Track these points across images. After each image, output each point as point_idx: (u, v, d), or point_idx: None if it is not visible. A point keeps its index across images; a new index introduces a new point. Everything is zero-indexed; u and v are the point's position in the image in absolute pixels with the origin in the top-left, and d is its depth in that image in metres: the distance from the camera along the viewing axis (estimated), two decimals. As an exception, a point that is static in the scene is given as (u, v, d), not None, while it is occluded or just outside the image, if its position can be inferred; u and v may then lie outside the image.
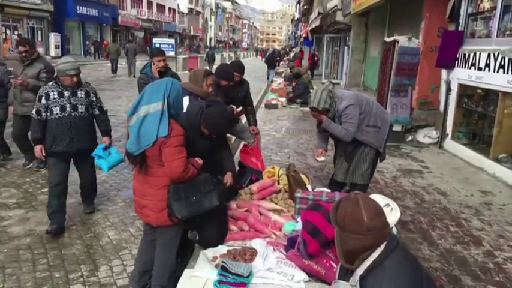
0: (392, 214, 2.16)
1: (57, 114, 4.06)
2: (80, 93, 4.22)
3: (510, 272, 3.69)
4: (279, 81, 17.20)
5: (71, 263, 3.62)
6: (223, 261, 2.83)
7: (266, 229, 3.48)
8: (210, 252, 3.18)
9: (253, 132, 4.81)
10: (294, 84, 13.81)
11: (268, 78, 21.93)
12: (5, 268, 3.53)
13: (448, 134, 8.19)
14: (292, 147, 7.87)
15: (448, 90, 8.13)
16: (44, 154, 4.16)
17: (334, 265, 2.82)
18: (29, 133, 4.50)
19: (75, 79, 4.13)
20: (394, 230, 2.30)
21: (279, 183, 4.41)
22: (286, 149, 7.76)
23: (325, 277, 2.84)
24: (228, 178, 3.52)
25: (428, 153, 7.93)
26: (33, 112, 4.08)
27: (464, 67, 7.64)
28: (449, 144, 8.11)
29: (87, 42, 32.78)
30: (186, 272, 2.96)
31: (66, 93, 4.12)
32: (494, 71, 6.72)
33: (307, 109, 12.12)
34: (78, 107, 4.17)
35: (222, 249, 3.22)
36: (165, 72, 4.96)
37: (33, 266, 3.59)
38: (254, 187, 4.20)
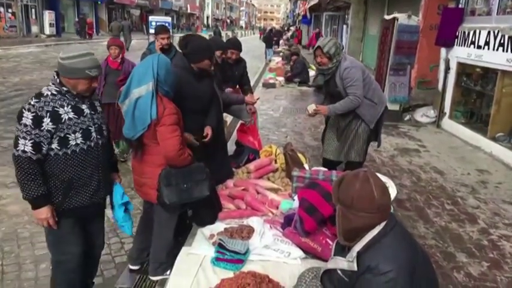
0: (387, 188, 2.16)
1: (78, 145, 2.43)
2: (98, 106, 2.62)
3: (504, 249, 3.73)
4: (277, 60, 17.05)
5: (69, 240, 3.65)
6: (220, 239, 2.85)
7: (263, 207, 3.50)
8: (207, 230, 3.20)
9: (250, 111, 4.77)
10: (292, 63, 13.70)
11: (266, 57, 21.74)
12: (3, 246, 3.56)
13: (445, 113, 8.17)
14: (290, 127, 7.85)
15: (447, 69, 8.08)
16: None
17: (330, 242, 2.85)
18: None
19: (95, 84, 2.52)
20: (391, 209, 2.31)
21: (276, 162, 4.42)
22: (283, 128, 7.75)
23: (321, 254, 2.87)
24: (207, 130, 3.48)
25: (425, 132, 7.93)
26: (24, 149, 2.26)
27: (464, 45, 7.57)
28: (447, 123, 8.11)
29: (76, 19, 32.11)
30: (184, 250, 2.98)
31: (86, 108, 2.49)
32: (493, 49, 6.66)
33: (305, 88, 12.24)
34: (103, 130, 2.62)
35: (219, 227, 3.24)
36: (168, 50, 4.97)
37: (32, 244, 3.61)
38: (251, 166, 4.21)
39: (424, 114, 8.69)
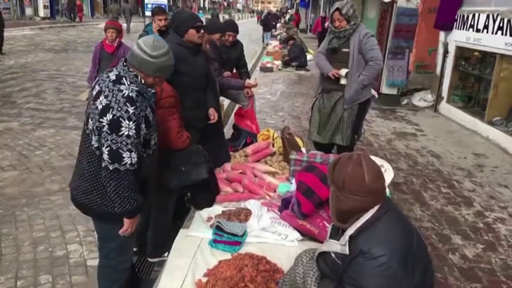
0: (386, 175, 2.17)
1: (155, 144, 2.35)
2: None
3: (499, 231, 3.77)
4: (274, 44, 16.89)
5: (67, 223, 3.66)
6: (218, 221, 2.86)
7: (260, 190, 3.51)
8: (205, 213, 3.22)
9: (248, 95, 4.75)
10: (289, 47, 13.58)
11: (263, 41, 21.55)
12: (1, 228, 3.56)
13: (443, 98, 8.16)
14: (287, 111, 7.83)
15: (446, 52, 8.03)
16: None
17: (327, 225, 2.86)
18: None
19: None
20: (387, 191, 2.31)
21: (273, 146, 4.42)
22: (281, 112, 7.72)
23: (318, 236, 2.89)
24: (213, 113, 3.50)
25: (423, 116, 7.93)
26: (131, 162, 2.07)
27: (463, 29, 7.51)
28: (444, 107, 8.10)
29: (62, 1, 31.41)
30: (182, 232, 3.00)
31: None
32: (492, 33, 6.62)
33: (302, 72, 12.18)
34: None
35: (217, 210, 3.25)
36: (165, 31, 4.89)
37: (30, 227, 3.62)
38: (249, 149, 4.21)
39: (421, 99, 8.67)
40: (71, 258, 3.22)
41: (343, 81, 4.16)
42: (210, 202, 3.32)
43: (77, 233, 3.54)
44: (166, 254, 2.93)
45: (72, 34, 20.66)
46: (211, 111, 3.50)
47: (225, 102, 6.28)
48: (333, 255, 1.89)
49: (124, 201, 2.12)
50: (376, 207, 1.78)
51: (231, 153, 4.16)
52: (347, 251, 1.78)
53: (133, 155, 2.06)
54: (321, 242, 2.75)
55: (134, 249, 3.14)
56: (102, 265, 2.44)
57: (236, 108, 5.33)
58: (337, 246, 1.85)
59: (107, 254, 2.39)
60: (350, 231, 1.80)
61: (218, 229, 2.82)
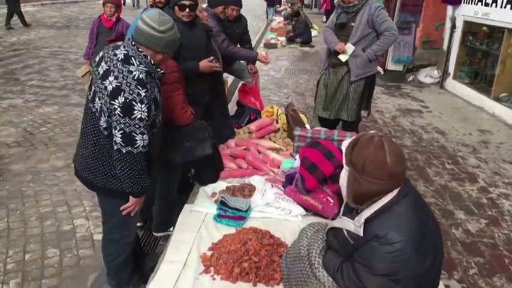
0: (404, 156, 2.12)
1: (159, 122, 2.34)
2: None
3: (503, 206, 3.78)
4: (278, 20, 16.63)
5: (72, 198, 3.70)
6: (222, 197, 2.88)
7: (264, 167, 3.52)
8: (209, 188, 3.23)
9: (252, 71, 4.70)
10: (293, 23, 13.37)
11: (267, 16, 21.21)
12: (8, 204, 3.61)
13: (449, 74, 8.06)
14: (291, 87, 7.78)
15: (453, 27, 7.88)
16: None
17: (331, 200, 2.87)
18: None
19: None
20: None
21: (277, 123, 4.40)
22: (285, 89, 7.67)
23: (322, 211, 2.90)
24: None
25: (428, 93, 7.85)
26: (143, 144, 2.08)
27: (471, 3, 7.35)
28: (451, 84, 8.01)
29: None
30: (186, 207, 3.02)
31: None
32: (501, 7, 6.47)
33: (307, 49, 12.03)
34: None
35: (221, 185, 3.26)
36: (162, 8, 4.81)
37: (36, 202, 3.66)
38: (253, 126, 4.20)
39: (427, 75, 8.56)
40: (78, 233, 3.27)
41: (342, 57, 4.11)
42: (214, 178, 3.33)
43: (83, 208, 3.58)
44: (171, 229, 2.96)
45: (74, 10, 20.42)
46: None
47: (229, 78, 6.23)
48: (345, 232, 1.87)
49: (134, 183, 2.13)
50: (395, 191, 1.74)
51: (235, 129, 4.15)
52: (361, 233, 1.75)
53: (145, 137, 2.07)
54: (325, 217, 2.77)
55: (139, 224, 3.19)
56: (106, 239, 2.47)
57: (240, 84, 5.28)
58: (350, 225, 1.82)
59: (110, 229, 2.42)
60: (366, 213, 1.76)
61: (222, 204, 2.83)
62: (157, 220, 3.14)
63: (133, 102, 1.98)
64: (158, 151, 2.52)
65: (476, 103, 7.03)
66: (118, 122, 1.99)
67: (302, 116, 4.32)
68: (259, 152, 3.75)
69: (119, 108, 1.97)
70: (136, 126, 2.01)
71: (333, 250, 1.99)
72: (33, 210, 3.54)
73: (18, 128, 5.32)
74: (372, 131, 1.86)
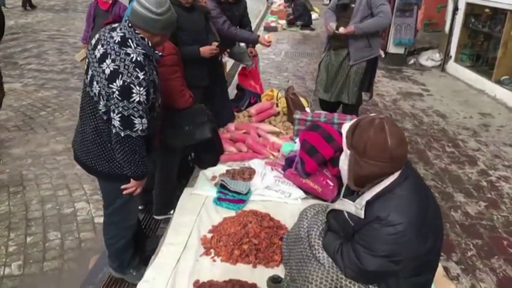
0: (405, 139, 2.11)
1: (159, 106, 2.33)
2: None
3: (503, 189, 3.79)
4: (278, 3, 16.42)
5: (73, 182, 3.71)
6: (222, 180, 2.89)
7: (264, 150, 3.52)
8: (209, 172, 3.24)
9: (252, 55, 4.66)
10: (293, 5, 13.21)
11: (267, -1, 20.97)
12: (9, 187, 3.62)
13: (451, 57, 7.99)
14: (292, 71, 7.73)
15: (455, 9, 7.78)
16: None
17: (331, 183, 2.88)
18: None
19: None
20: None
21: (277, 106, 4.39)
22: (285, 72, 7.62)
23: (321, 194, 2.91)
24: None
25: (430, 76, 7.81)
26: (143, 128, 2.06)
27: (474, -16, 7.26)
28: (452, 66, 7.95)
29: None
30: (187, 190, 3.03)
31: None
32: (505, -12, 6.39)
33: (307, 32, 11.93)
34: None
35: (221, 169, 3.27)
36: None
37: (37, 185, 3.67)
38: (253, 110, 4.19)
39: (429, 58, 8.49)
40: (79, 216, 3.29)
41: (341, 30, 4.11)
42: (214, 162, 3.33)
43: (83, 192, 3.59)
44: (171, 212, 2.98)
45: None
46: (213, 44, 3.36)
47: (229, 62, 6.19)
48: (345, 214, 1.87)
49: (134, 166, 2.12)
50: (396, 174, 1.74)
51: (234, 113, 4.14)
52: (362, 215, 1.76)
53: (144, 120, 2.03)
54: (324, 200, 2.78)
55: (140, 207, 3.20)
56: (107, 222, 2.48)
57: (240, 68, 5.25)
58: (351, 207, 1.83)
59: (111, 212, 2.42)
60: (367, 196, 1.76)
61: (222, 187, 2.84)
62: (157, 203, 3.15)
63: (132, 85, 1.95)
64: (157, 135, 2.52)
65: (477, 86, 6.99)
66: (116, 106, 1.97)
67: (302, 99, 4.30)
68: (259, 136, 3.75)
69: (117, 92, 1.94)
70: (135, 109, 1.98)
71: (333, 232, 2.00)
72: (34, 193, 3.56)
73: (17, 112, 5.31)
74: (373, 114, 1.84)
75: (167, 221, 2.86)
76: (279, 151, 3.55)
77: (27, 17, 12.56)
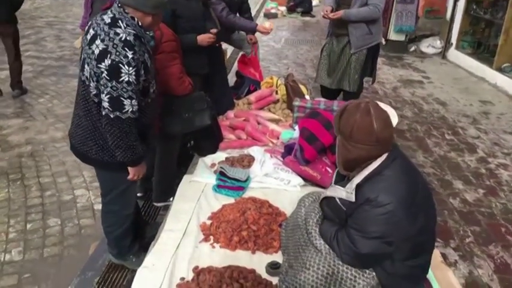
0: (391, 121, 2.13)
1: (154, 92, 2.25)
2: None
3: (501, 177, 3.80)
4: (278, -11, 16.28)
5: (73, 169, 3.71)
6: (221, 167, 2.89)
7: (264, 137, 3.51)
8: (209, 159, 3.24)
9: (251, 42, 4.62)
10: (294, -9, 13.07)
11: (267, -15, 20.76)
12: (8, 174, 3.63)
13: (452, 44, 7.94)
14: (292, 58, 7.68)
15: (457, -4, 7.72)
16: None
17: (330, 170, 2.88)
18: None
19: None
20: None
21: (277, 93, 4.37)
22: (285, 59, 7.58)
23: (320, 181, 2.92)
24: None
25: (430, 63, 7.76)
26: (133, 110, 2.00)
27: (476, -30, 7.17)
28: (453, 54, 7.90)
29: None
30: (186, 177, 3.03)
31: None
32: (507, -26, 6.32)
33: (307, 18, 11.84)
34: None
35: (220, 156, 3.27)
36: None
37: (37, 172, 3.68)
38: (252, 97, 4.17)
39: (430, 45, 8.43)
40: (78, 203, 3.30)
41: (330, 14, 4.10)
42: (213, 149, 3.33)
43: (83, 179, 3.59)
44: (171, 199, 2.98)
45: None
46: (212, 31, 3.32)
47: (229, 49, 6.15)
48: (337, 200, 1.90)
49: (125, 150, 2.06)
50: (384, 156, 1.76)
51: (234, 100, 4.12)
52: (353, 199, 1.78)
53: (134, 102, 1.98)
54: (323, 187, 2.79)
55: (140, 194, 3.22)
56: (105, 210, 2.48)
57: (239, 55, 5.21)
58: (342, 193, 1.85)
59: (109, 201, 2.41)
60: (357, 179, 1.79)
61: (221, 175, 2.84)
62: (157, 190, 3.16)
63: (120, 65, 1.91)
64: (155, 122, 2.50)
65: (478, 74, 6.96)
66: (105, 86, 1.93)
67: (302, 86, 4.28)
68: (259, 123, 3.74)
69: (105, 71, 1.91)
70: (124, 90, 1.94)
71: (328, 219, 2.02)
72: (34, 180, 3.56)
73: (16, 98, 5.29)
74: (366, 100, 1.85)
75: (167, 208, 2.87)
76: (278, 138, 3.54)
77: (25, 3, 12.39)
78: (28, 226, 3.02)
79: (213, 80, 3.59)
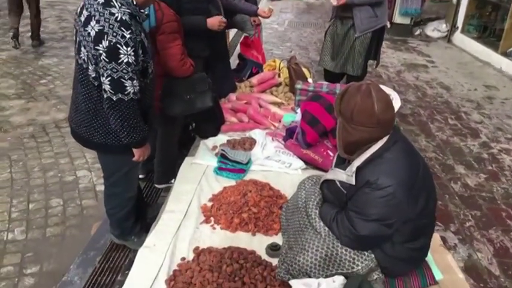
0: (392, 103, 2.12)
1: (152, 72, 2.20)
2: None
3: (504, 162, 3.79)
4: (283, -30, 16.02)
5: (75, 150, 3.71)
6: (222, 149, 2.89)
7: (265, 120, 3.51)
8: (210, 142, 3.24)
9: (254, 24, 4.56)
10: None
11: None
12: (10, 155, 3.64)
13: (458, 27, 7.84)
14: (295, 41, 7.60)
15: (464, -22, 7.59)
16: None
17: (331, 154, 2.88)
18: None
19: None
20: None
21: (279, 76, 4.34)
22: (288, 42, 7.51)
23: (321, 165, 2.92)
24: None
25: (435, 47, 7.68)
26: (134, 91, 1.98)
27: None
28: (458, 38, 7.81)
29: None
30: (187, 160, 3.04)
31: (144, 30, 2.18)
32: (516, -44, 6.19)
33: (312, 1, 11.66)
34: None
35: (222, 139, 3.27)
36: None
37: (39, 153, 3.69)
38: (254, 80, 4.15)
39: (435, 29, 8.33)
40: (80, 184, 3.32)
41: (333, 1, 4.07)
42: (215, 131, 3.32)
43: (85, 160, 3.60)
44: (172, 181, 2.99)
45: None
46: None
47: (231, 31, 6.08)
48: (337, 183, 1.90)
49: (130, 132, 2.04)
50: (385, 139, 1.75)
51: (236, 83, 4.09)
52: (353, 182, 1.78)
53: (136, 83, 1.96)
54: (325, 171, 2.78)
55: (141, 176, 3.23)
56: (108, 193, 2.49)
57: (242, 37, 5.16)
58: (342, 176, 1.85)
59: (112, 183, 2.42)
60: (357, 162, 1.78)
61: (223, 157, 2.85)
62: (158, 172, 3.17)
63: (118, 45, 1.87)
64: (157, 104, 2.48)
65: (483, 58, 6.88)
66: (105, 69, 1.90)
67: (305, 70, 4.25)
68: (261, 106, 3.73)
69: (104, 54, 1.88)
70: (124, 71, 1.90)
71: (328, 202, 2.02)
72: (36, 161, 3.57)
73: (17, 80, 5.27)
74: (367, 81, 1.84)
75: (168, 190, 2.88)
76: (280, 121, 3.53)
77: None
78: (31, 206, 3.04)
79: (215, 62, 3.56)
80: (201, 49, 3.29)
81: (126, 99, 1.95)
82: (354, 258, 1.81)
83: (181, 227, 2.33)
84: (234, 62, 4.81)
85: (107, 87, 1.93)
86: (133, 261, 2.11)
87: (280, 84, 4.22)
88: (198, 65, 3.07)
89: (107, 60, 1.88)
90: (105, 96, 1.96)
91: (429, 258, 2.10)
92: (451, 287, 2.03)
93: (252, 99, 3.78)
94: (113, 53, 1.87)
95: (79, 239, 2.75)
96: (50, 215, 2.97)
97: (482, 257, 2.62)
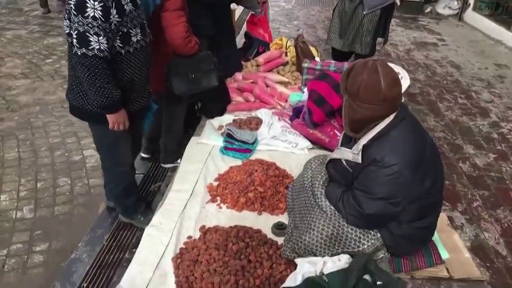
0: (402, 82, 2.08)
1: (138, 41, 2.15)
2: None
3: (513, 142, 3.74)
4: None
5: (81, 130, 3.72)
6: (228, 129, 2.88)
7: (272, 100, 3.48)
8: (216, 121, 3.23)
9: (261, 1, 4.48)
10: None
11: None
12: (18, 134, 3.66)
13: (469, 4, 7.65)
14: (302, 19, 7.48)
15: (477, -47, 7.37)
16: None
17: (338, 133, 2.86)
18: None
19: None
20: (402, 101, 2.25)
21: (286, 55, 4.28)
22: (295, 21, 7.38)
23: (328, 145, 2.90)
24: None
25: (446, 25, 7.51)
26: (100, 47, 1.94)
27: None
28: (470, 15, 7.63)
29: None
30: (193, 139, 3.04)
31: (138, 0, 2.19)
32: None
33: (320, -24, 11.38)
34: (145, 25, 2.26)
35: (228, 118, 3.26)
36: None
37: (46, 133, 3.70)
38: (261, 59, 4.10)
39: (446, 6, 8.13)
40: (87, 163, 3.33)
41: None
42: (221, 111, 3.30)
43: (91, 140, 3.56)
44: (178, 161, 2.99)
45: None
46: None
47: (237, 9, 5.98)
48: (344, 162, 1.89)
49: (97, 93, 2.01)
50: (391, 116, 1.73)
51: (242, 62, 4.05)
52: (359, 160, 1.76)
53: (102, 40, 1.93)
54: (331, 151, 2.76)
55: (147, 156, 3.23)
56: (102, 166, 2.55)
57: (248, 15, 5.07)
58: (348, 155, 1.84)
59: (102, 157, 2.48)
60: (363, 140, 1.77)
61: (229, 137, 2.84)
62: (164, 152, 3.16)
63: (86, 0, 1.88)
64: (162, 82, 2.45)
65: (495, 36, 6.73)
66: (73, 22, 1.93)
67: (312, 48, 4.18)
68: (267, 86, 3.70)
69: (73, 6, 1.91)
70: (90, 25, 1.90)
71: (334, 181, 2.01)
72: (43, 140, 3.59)
73: (23, 59, 5.26)
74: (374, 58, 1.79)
75: (174, 170, 2.89)
76: (286, 101, 3.51)
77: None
78: (39, 185, 3.07)
79: (221, 41, 3.51)
80: (206, 28, 3.23)
81: (90, 55, 1.93)
82: (359, 237, 1.81)
83: (188, 206, 2.34)
84: (240, 40, 4.76)
85: (74, 41, 1.94)
86: (140, 239, 2.13)
87: (287, 63, 4.17)
88: (203, 44, 3.02)
89: (75, 13, 1.91)
90: (73, 51, 1.97)
91: (436, 237, 2.09)
92: (457, 267, 2.03)
93: (258, 78, 3.75)
94: (80, 6, 1.89)
95: (87, 218, 2.77)
96: (57, 193, 3.00)
97: (490, 237, 2.61)
